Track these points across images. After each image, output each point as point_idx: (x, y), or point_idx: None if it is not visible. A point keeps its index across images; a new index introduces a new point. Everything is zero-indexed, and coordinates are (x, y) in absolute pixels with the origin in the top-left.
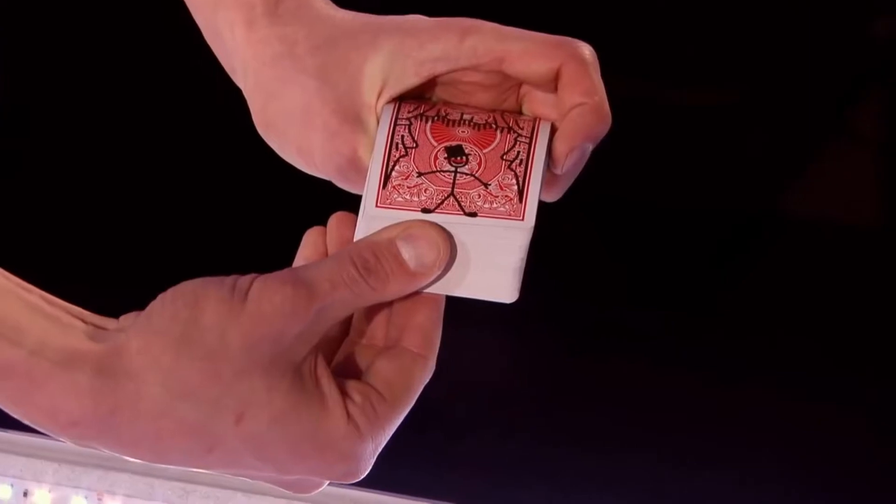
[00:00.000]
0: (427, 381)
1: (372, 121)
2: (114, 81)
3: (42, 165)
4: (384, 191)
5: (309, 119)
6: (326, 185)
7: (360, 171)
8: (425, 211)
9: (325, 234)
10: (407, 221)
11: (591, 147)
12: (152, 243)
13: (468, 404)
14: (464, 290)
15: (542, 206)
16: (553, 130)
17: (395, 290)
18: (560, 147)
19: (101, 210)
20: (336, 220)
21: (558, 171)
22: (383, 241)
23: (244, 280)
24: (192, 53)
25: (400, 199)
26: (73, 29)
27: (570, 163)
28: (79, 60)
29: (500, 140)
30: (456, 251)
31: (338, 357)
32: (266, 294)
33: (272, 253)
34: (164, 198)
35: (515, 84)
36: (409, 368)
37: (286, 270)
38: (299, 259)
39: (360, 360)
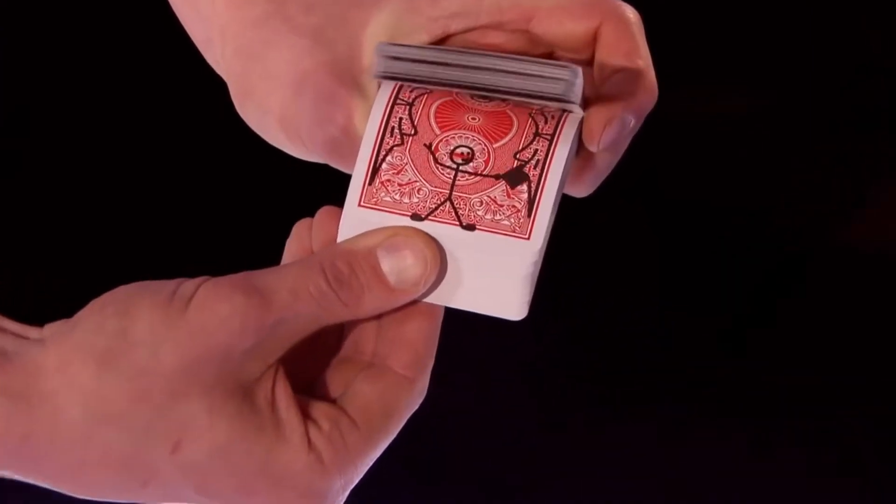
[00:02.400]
0: (415, 407)
1: (372, 87)
2: (114, 81)
3: (42, 165)
4: (370, 187)
5: (298, 82)
6: (330, 172)
7: (355, 143)
8: (415, 217)
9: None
10: (392, 228)
11: (632, 122)
12: (153, 244)
13: (461, 434)
14: (463, 302)
15: (568, 203)
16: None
17: (370, 307)
18: (596, 117)
19: (102, 210)
20: (324, 214)
21: (593, 148)
22: (361, 250)
23: (188, 285)
24: (192, 53)
25: (388, 198)
26: (74, 29)
27: (608, 138)
28: (79, 60)
29: (515, 133)
30: (448, 264)
31: (316, 374)
32: (211, 302)
33: (278, 249)
34: (165, 197)
35: (544, 52)
36: (391, 392)
37: (242, 275)
38: (287, 255)
39: (340, 379)
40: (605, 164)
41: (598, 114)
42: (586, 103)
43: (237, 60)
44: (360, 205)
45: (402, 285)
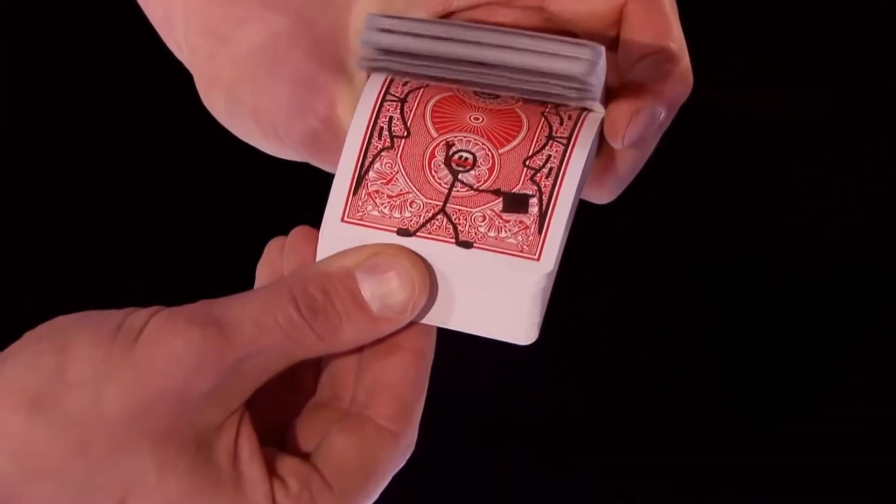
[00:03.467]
0: (400, 463)
1: (359, 73)
2: (114, 81)
3: (42, 165)
4: (355, 198)
5: (273, 65)
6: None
7: (338, 137)
8: (402, 233)
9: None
10: (374, 246)
11: (663, 114)
12: (153, 244)
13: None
14: (462, 323)
15: (586, 209)
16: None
17: (350, 338)
18: (620, 108)
19: (102, 210)
20: (298, 236)
21: (617, 145)
22: (337, 272)
23: (137, 316)
24: None
25: (375, 212)
26: (74, 29)
27: (634, 132)
28: (79, 61)
29: (525, 135)
30: (445, 284)
31: (288, 418)
32: (164, 337)
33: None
34: (166, 198)
35: (561, 32)
36: (370, 448)
37: (200, 304)
38: (259, 280)
39: (314, 428)
40: (630, 164)
41: (624, 104)
42: (609, 95)
43: (203, 41)
44: (343, 220)
45: (385, 312)
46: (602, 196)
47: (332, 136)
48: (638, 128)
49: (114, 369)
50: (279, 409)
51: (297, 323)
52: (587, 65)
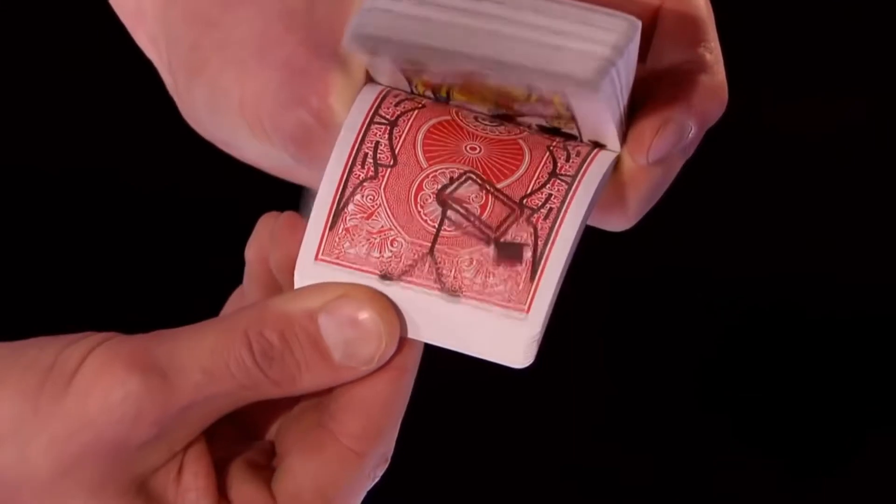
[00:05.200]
0: (368, 484)
1: (357, 63)
2: (113, 82)
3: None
4: (331, 234)
5: (264, 50)
6: None
7: (331, 134)
8: (385, 277)
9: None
10: (342, 286)
11: (693, 130)
12: (154, 247)
13: None
14: (455, 343)
15: (596, 238)
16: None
17: (308, 386)
18: (647, 120)
19: (102, 211)
20: (287, 224)
21: (641, 160)
22: (298, 315)
23: (69, 356)
24: None
25: (353, 251)
26: (74, 29)
27: (661, 147)
28: (79, 61)
29: (526, 170)
30: (425, 328)
31: (264, 430)
32: (99, 385)
33: None
34: (168, 198)
35: None
36: (329, 472)
37: (142, 344)
38: (248, 259)
39: (285, 442)
40: (653, 184)
41: (651, 114)
42: (635, 106)
43: (187, 29)
44: (318, 258)
45: (348, 361)
46: (619, 223)
47: (325, 132)
48: (665, 141)
49: (43, 420)
50: (255, 419)
51: (250, 370)
52: (619, 36)
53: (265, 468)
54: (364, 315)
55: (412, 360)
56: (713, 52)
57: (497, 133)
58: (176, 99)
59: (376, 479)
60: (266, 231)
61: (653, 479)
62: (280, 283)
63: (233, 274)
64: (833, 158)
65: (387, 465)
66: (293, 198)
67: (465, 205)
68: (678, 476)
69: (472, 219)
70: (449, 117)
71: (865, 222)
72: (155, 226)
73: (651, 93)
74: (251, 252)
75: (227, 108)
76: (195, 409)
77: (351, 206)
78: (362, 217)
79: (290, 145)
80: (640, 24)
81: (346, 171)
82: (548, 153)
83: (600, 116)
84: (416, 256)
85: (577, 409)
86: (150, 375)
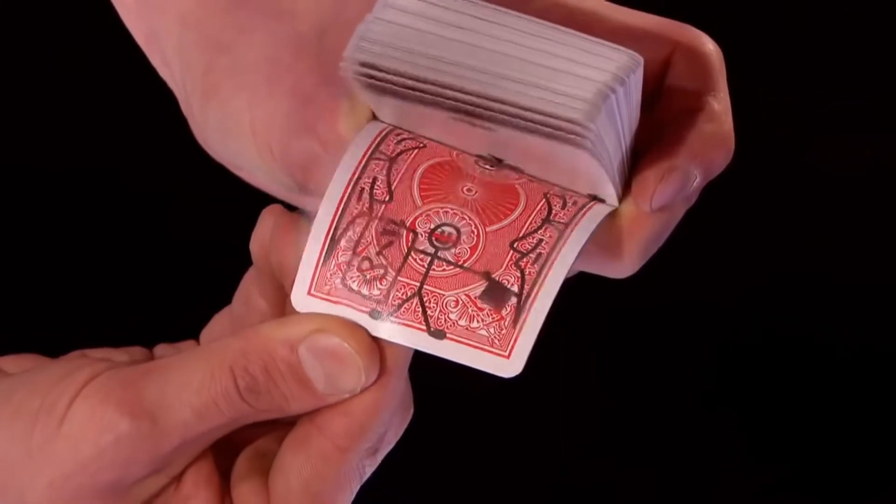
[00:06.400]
0: (356, 481)
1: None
2: (114, 82)
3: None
4: (324, 269)
5: (274, 77)
6: None
7: (336, 159)
8: (374, 315)
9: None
10: (322, 318)
11: (697, 178)
12: (154, 247)
13: None
14: (444, 352)
15: (598, 287)
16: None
17: (298, 411)
18: (652, 167)
19: (102, 211)
20: (283, 227)
21: (645, 207)
22: (280, 348)
23: (59, 395)
24: None
25: (342, 287)
26: (74, 29)
27: (665, 194)
28: (79, 60)
29: (520, 215)
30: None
31: (264, 429)
32: (90, 429)
33: None
34: (168, 198)
35: None
36: (313, 469)
37: (132, 386)
38: (254, 254)
39: (277, 437)
40: (655, 231)
41: (656, 163)
42: (641, 153)
43: (200, 52)
44: (310, 293)
45: (332, 391)
46: (619, 270)
47: (331, 162)
48: (670, 188)
49: (37, 465)
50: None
51: (238, 405)
52: (620, 66)
53: (267, 461)
54: (343, 348)
55: (399, 364)
56: (721, 102)
57: (496, 177)
58: (189, 120)
59: (367, 474)
60: (267, 227)
61: (653, 493)
62: (282, 282)
63: (233, 274)
64: (849, 195)
65: (378, 460)
66: None
67: (455, 246)
68: (677, 490)
69: (461, 260)
70: (449, 158)
71: (884, 259)
72: (155, 226)
73: (657, 140)
74: (255, 246)
75: (238, 133)
76: (189, 445)
77: (343, 242)
78: (352, 253)
79: (298, 172)
80: (642, 59)
81: (342, 205)
82: (544, 200)
83: (591, 164)
84: (403, 296)
85: (570, 424)
86: (140, 421)
